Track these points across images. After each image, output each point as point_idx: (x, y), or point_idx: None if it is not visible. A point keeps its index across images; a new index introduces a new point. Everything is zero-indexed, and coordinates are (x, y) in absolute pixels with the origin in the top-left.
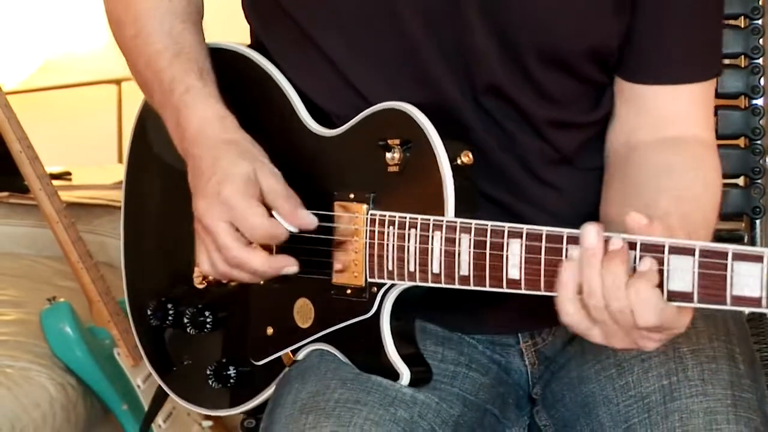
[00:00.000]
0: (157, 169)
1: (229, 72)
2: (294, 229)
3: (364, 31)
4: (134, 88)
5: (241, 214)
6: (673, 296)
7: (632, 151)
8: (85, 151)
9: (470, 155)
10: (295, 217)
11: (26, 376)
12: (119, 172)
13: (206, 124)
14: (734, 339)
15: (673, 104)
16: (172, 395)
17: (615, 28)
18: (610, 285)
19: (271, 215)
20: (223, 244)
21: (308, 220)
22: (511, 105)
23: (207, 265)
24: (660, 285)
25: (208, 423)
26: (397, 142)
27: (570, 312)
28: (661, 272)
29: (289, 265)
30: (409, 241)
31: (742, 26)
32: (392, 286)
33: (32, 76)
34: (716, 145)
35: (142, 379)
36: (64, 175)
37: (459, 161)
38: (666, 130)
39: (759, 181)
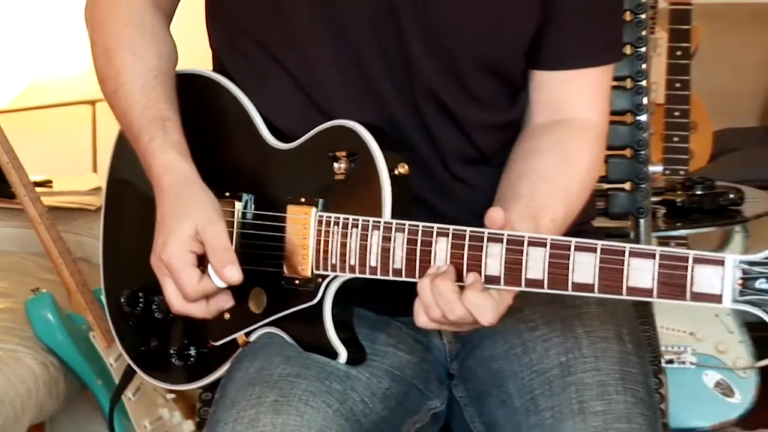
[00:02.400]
0: (132, 180)
1: (198, 94)
2: (222, 285)
3: (315, 48)
4: (107, 108)
5: (177, 276)
6: (530, 284)
7: (522, 136)
8: (63, 162)
9: (406, 167)
10: (222, 274)
11: (14, 356)
12: (94, 180)
13: (164, 173)
14: (622, 321)
15: (562, 90)
16: (139, 372)
17: (534, 28)
18: (442, 302)
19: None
20: (167, 300)
21: (233, 276)
22: (445, 110)
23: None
24: (519, 270)
25: (171, 396)
26: (344, 154)
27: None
28: (520, 261)
29: (227, 303)
30: (351, 239)
31: (629, 53)
32: (335, 277)
33: (18, 97)
34: (605, 126)
35: (114, 358)
36: (45, 183)
37: (396, 171)
38: (554, 113)
39: (643, 185)
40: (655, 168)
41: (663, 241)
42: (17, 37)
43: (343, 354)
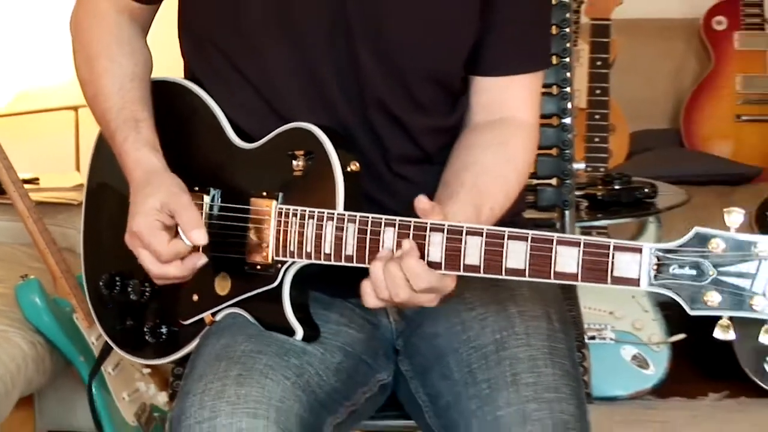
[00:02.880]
0: (110, 177)
1: (171, 100)
2: (189, 244)
3: (273, 58)
4: (88, 113)
5: (148, 242)
6: (468, 269)
7: (468, 130)
8: (49, 162)
9: (357, 164)
10: (190, 235)
11: (4, 336)
12: (77, 178)
13: (135, 168)
14: (550, 303)
15: (499, 93)
16: (116, 349)
17: (473, 40)
18: (391, 283)
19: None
20: (146, 269)
21: (199, 237)
22: (392, 117)
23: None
24: (459, 257)
25: (147, 370)
26: (302, 153)
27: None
28: (459, 249)
29: (200, 260)
30: (307, 229)
31: (555, 62)
32: (293, 263)
33: (8, 104)
34: (537, 126)
35: (95, 337)
36: (33, 180)
37: (349, 169)
38: (491, 114)
39: (568, 181)
40: (578, 165)
41: (585, 231)
42: (6, 51)
43: (299, 332)
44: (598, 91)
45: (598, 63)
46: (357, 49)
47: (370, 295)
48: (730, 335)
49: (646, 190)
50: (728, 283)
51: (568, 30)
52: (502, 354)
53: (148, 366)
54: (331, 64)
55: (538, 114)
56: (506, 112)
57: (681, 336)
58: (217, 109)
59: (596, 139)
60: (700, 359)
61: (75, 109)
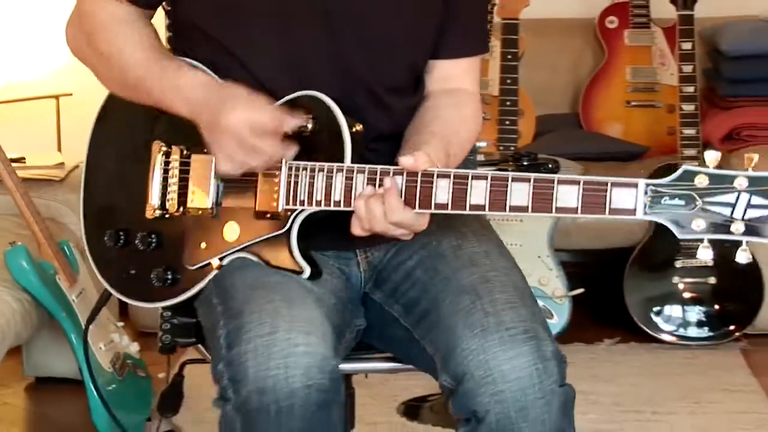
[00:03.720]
0: (110, 147)
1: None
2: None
3: (266, 47)
4: (68, 101)
5: (257, 113)
6: (473, 208)
7: (425, 98)
8: (34, 144)
9: (360, 126)
10: (288, 121)
11: None
12: (58, 158)
13: (201, 83)
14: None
15: (453, 69)
16: (120, 296)
17: (437, 33)
18: (370, 216)
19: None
20: (245, 134)
21: (295, 121)
22: (376, 100)
23: (226, 160)
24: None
25: (120, 323)
26: (311, 116)
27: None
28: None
29: (292, 150)
30: (317, 181)
31: None
32: (302, 210)
33: None
34: (479, 97)
35: (76, 295)
36: (20, 160)
37: (354, 129)
38: (447, 84)
39: (471, 157)
40: (481, 144)
41: None
42: None
43: (307, 270)
44: (508, 81)
45: (509, 57)
46: (341, 41)
47: (355, 224)
48: (748, 257)
49: (550, 165)
50: (712, 211)
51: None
52: (458, 252)
53: (121, 320)
54: (318, 53)
55: (479, 89)
56: (458, 83)
57: (580, 290)
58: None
59: (507, 122)
60: (597, 310)
61: (56, 97)
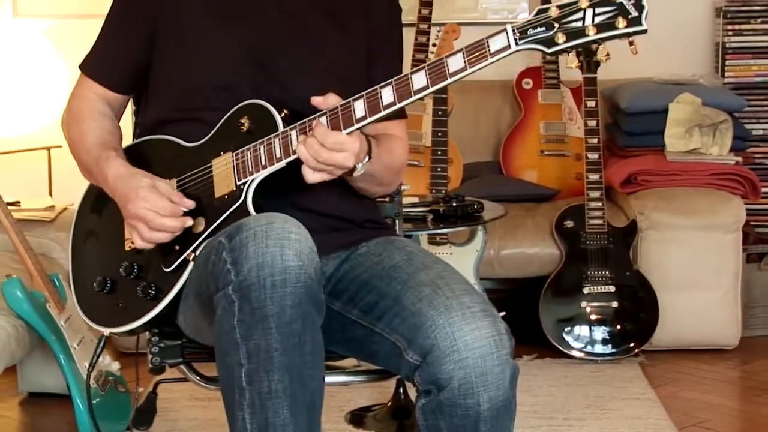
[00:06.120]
0: (95, 209)
1: (152, 146)
2: (184, 209)
3: (213, 116)
4: (58, 152)
5: (153, 202)
6: (359, 120)
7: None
8: (28, 189)
9: (286, 111)
10: (183, 203)
11: None
12: (49, 201)
13: (117, 175)
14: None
15: (388, 123)
16: (112, 331)
17: None
18: (311, 151)
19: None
20: (151, 217)
21: (188, 202)
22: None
23: (138, 238)
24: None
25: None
26: (245, 117)
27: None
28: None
29: (188, 222)
30: (260, 152)
31: None
32: (253, 179)
33: None
34: (406, 139)
35: (64, 320)
36: (15, 203)
37: (282, 114)
38: (382, 132)
39: (396, 198)
40: (405, 186)
41: (432, 237)
42: None
43: None
44: (439, 134)
45: (439, 113)
46: (273, 98)
47: (307, 171)
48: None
49: (475, 206)
50: (568, 27)
51: None
52: (411, 261)
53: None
54: (252, 84)
55: (406, 135)
56: (391, 132)
57: (502, 313)
58: (174, 138)
59: (438, 169)
60: (516, 331)
61: (48, 149)
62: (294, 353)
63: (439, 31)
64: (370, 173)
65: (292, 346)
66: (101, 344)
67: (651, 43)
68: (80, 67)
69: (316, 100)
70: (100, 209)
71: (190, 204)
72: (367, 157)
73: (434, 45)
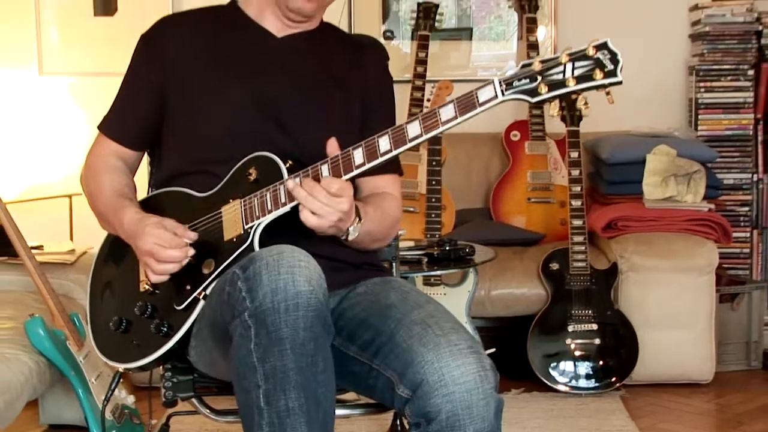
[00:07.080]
0: (113, 254)
1: (167, 197)
2: (188, 240)
3: (223, 169)
4: (80, 200)
5: (158, 236)
6: (358, 166)
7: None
8: (50, 234)
9: (291, 162)
10: (186, 235)
11: (16, 358)
12: (70, 245)
13: (132, 217)
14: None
15: (380, 181)
16: (128, 367)
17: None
18: (307, 190)
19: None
20: (156, 250)
21: (191, 234)
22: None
23: (150, 273)
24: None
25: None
26: (252, 167)
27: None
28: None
29: (189, 252)
30: (267, 198)
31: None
32: (259, 223)
33: (20, 194)
34: (400, 199)
35: (83, 356)
36: (38, 247)
37: (287, 165)
38: (377, 191)
39: (393, 242)
40: (401, 231)
41: (426, 279)
42: (18, 157)
43: None
44: (433, 182)
45: (434, 163)
46: (279, 146)
47: (304, 212)
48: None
49: (467, 249)
50: (550, 78)
51: None
52: (406, 301)
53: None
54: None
55: (400, 195)
56: (386, 190)
57: (492, 350)
58: (188, 190)
59: (432, 215)
60: (506, 366)
61: (69, 197)
62: (308, 372)
63: (433, 87)
64: (365, 232)
65: (306, 366)
66: (116, 379)
67: (630, 98)
68: (98, 127)
69: (332, 145)
70: (116, 255)
71: (193, 236)
72: (358, 219)
73: (428, 100)
